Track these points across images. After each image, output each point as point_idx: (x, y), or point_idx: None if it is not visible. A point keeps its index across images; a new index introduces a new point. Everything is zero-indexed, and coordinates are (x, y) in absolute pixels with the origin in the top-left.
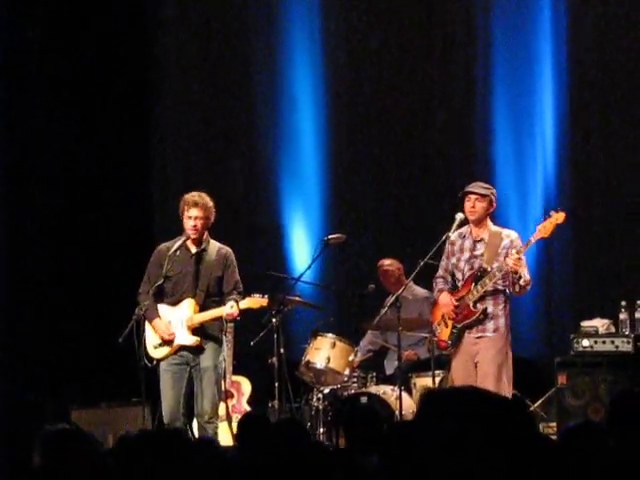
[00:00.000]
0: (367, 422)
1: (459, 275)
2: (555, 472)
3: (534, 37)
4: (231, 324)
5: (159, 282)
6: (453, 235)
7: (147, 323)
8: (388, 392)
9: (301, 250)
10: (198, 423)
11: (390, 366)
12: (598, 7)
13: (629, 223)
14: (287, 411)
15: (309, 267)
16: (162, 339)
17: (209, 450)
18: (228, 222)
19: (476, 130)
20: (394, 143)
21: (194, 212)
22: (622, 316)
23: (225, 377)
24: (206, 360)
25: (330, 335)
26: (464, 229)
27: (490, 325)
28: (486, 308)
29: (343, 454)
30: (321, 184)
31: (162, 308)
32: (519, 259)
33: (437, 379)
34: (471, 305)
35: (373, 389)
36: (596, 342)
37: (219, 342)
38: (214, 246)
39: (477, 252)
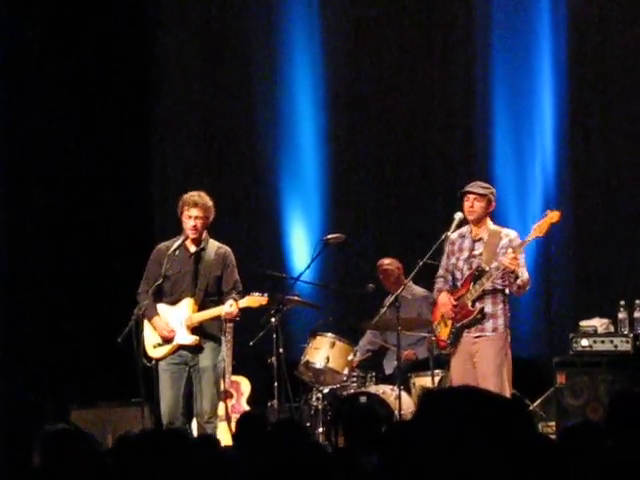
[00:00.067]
0: (366, 422)
1: (458, 275)
2: (554, 472)
3: (534, 37)
4: (230, 324)
5: (158, 282)
6: (453, 235)
7: (146, 322)
8: (387, 392)
9: (300, 250)
10: (197, 423)
11: (389, 366)
12: (597, 7)
13: (629, 223)
14: (286, 411)
15: (308, 267)
16: (162, 337)
17: (209, 450)
18: (228, 222)
19: (476, 130)
20: (394, 143)
21: (194, 212)
22: (621, 316)
23: (224, 377)
24: (205, 360)
25: (329, 335)
26: (464, 229)
27: (489, 325)
28: (483, 308)
29: (342, 454)
30: (321, 184)
31: (161, 307)
32: (515, 258)
33: (436, 379)
34: (469, 305)
35: (372, 389)
36: (595, 342)
37: (218, 342)
38: (213, 245)
39: (476, 252)
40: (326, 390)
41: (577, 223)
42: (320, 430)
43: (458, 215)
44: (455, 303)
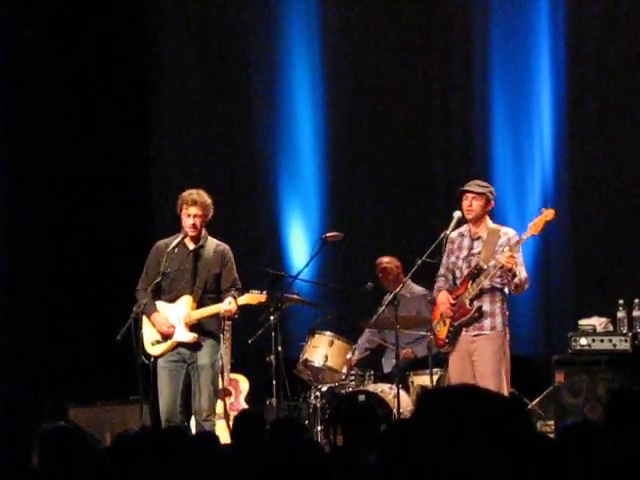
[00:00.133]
0: (365, 420)
1: (458, 273)
2: (552, 470)
3: (532, 36)
4: (229, 321)
5: (157, 279)
6: (453, 234)
7: (145, 319)
8: (386, 390)
9: (299, 248)
10: (195, 420)
11: (388, 364)
12: (596, 6)
13: (627, 222)
14: (285, 409)
15: (307, 265)
16: (161, 333)
17: (208, 447)
18: (227, 220)
19: (475, 130)
20: (393, 143)
21: (193, 210)
22: (620, 314)
23: (223, 375)
24: (203, 357)
25: (328, 333)
26: (464, 227)
27: (487, 323)
28: (481, 306)
29: (341, 452)
30: (319, 183)
31: (159, 305)
32: (511, 256)
33: (435, 377)
34: (467, 303)
35: (371, 387)
36: (594, 340)
37: (217, 339)
38: (212, 243)
39: (475, 250)
40: (325, 388)
41: (576, 222)
42: (319, 428)
43: (457, 214)
44: (453, 302)
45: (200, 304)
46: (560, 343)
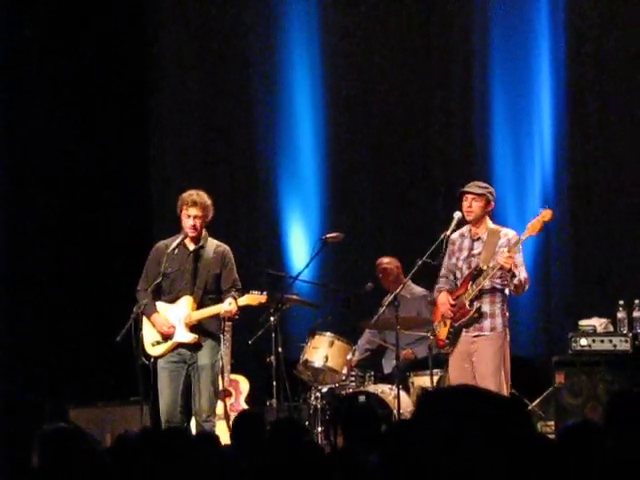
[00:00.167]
0: (365, 421)
1: (458, 274)
2: (553, 471)
3: (532, 36)
4: (229, 322)
5: (158, 280)
6: (454, 235)
7: (145, 320)
8: (386, 391)
9: (299, 248)
10: (196, 421)
11: (388, 365)
12: (597, 6)
13: (627, 223)
14: (285, 410)
15: (307, 266)
16: (161, 333)
17: (209, 448)
18: (227, 220)
19: (475, 130)
20: (393, 143)
21: (193, 211)
22: (620, 315)
23: (223, 375)
24: (204, 358)
25: (328, 334)
26: (464, 228)
27: (487, 324)
28: (481, 307)
29: (341, 453)
30: (320, 183)
31: (160, 305)
32: (510, 257)
33: (435, 378)
34: (467, 304)
35: (371, 388)
36: (594, 341)
37: (217, 340)
38: (212, 244)
39: (475, 251)
40: (325, 389)
41: (576, 223)
42: (319, 429)
43: (457, 215)
44: (453, 302)
45: (200, 305)
46: (560, 344)
